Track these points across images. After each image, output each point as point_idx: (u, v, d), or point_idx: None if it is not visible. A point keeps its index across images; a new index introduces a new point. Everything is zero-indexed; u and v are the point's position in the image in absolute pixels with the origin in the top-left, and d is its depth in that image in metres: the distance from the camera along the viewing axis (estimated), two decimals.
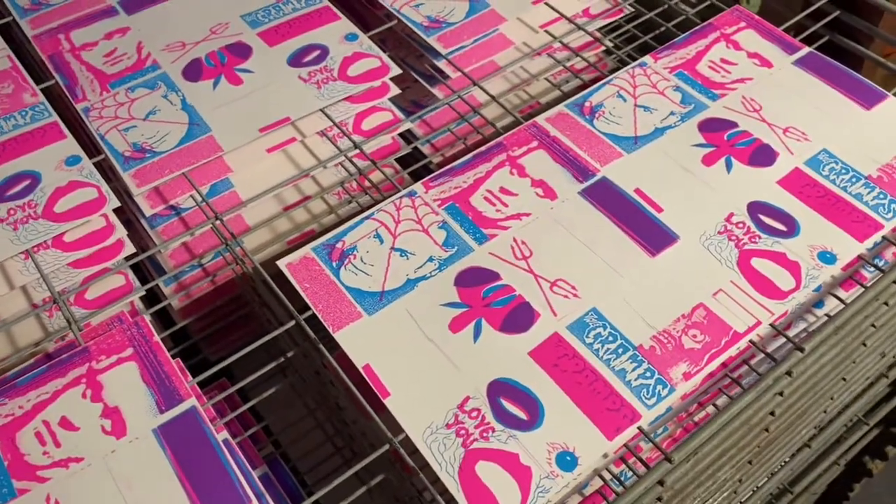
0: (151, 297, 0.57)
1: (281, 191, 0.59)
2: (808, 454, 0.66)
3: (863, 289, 0.50)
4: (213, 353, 0.60)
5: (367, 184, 0.60)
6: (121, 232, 0.53)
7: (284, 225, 0.59)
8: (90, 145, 0.56)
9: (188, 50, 0.60)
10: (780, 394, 0.47)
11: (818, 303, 0.54)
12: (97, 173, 0.53)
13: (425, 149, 0.66)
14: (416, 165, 0.63)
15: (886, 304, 0.51)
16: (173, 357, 0.47)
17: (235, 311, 0.59)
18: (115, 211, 0.54)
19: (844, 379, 0.58)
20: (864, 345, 0.54)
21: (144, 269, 0.59)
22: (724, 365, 0.48)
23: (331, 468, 0.55)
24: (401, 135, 0.65)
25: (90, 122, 0.56)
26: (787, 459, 0.66)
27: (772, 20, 0.63)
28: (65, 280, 0.52)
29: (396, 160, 0.65)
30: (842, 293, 0.53)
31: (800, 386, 0.50)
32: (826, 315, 0.53)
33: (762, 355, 0.49)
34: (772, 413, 0.49)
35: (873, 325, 0.53)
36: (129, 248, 0.53)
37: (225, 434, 0.46)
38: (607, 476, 0.46)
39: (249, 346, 0.47)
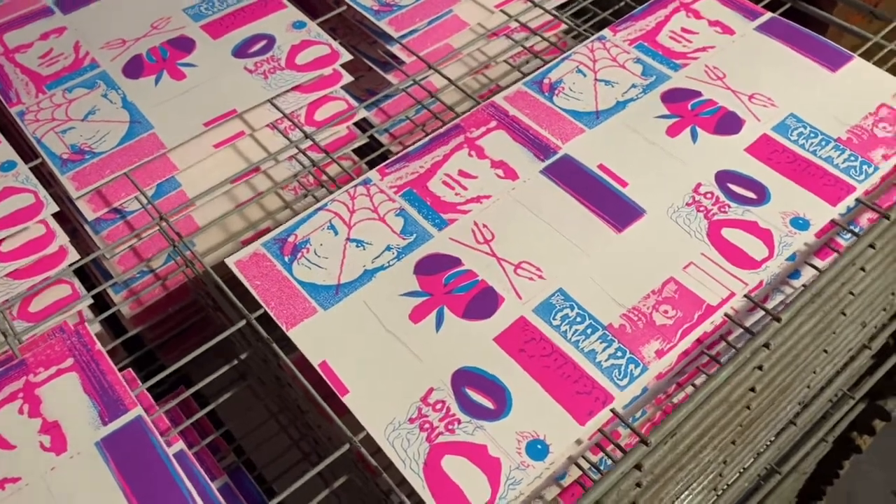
0: (103, 307, 0.54)
1: (233, 188, 0.56)
2: (793, 432, 0.64)
3: (839, 255, 0.48)
4: (170, 362, 0.57)
5: (323, 177, 0.57)
6: (63, 238, 0.50)
7: (238, 224, 0.57)
8: (27, 150, 0.54)
9: (128, 47, 0.58)
10: (760, 368, 0.45)
11: (794, 273, 0.52)
12: (34, 178, 0.50)
13: (384, 138, 0.63)
14: (373, 155, 0.60)
15: (863, 269, 0.49)
16: (127, 367, 0.44)
17: (191, 317, 0.56)
18: (60, 219, 0.51)
19: (826, 351, 0.56)
20: (844, 314, 0.52)
21: (93, 278, 0.56)
22: (699, 341, 0.46)
23: (298, 474, 0.52)
24: (358, 125, 0.62)
25: (26, 126, 0.53)
26: (772, 438, 0.64)
27: None
28: (4, 292, 0.49)
29: (354, 151, 0.62)
30: (818, 262, 0.51)
31: (780, 359, 0.48)
32: (803, 286, 0.52)
33: (740, 331, 0.47)
34: (752, 389, 0.47)
35: (851, 293, 0.51)
36: (73, 256, 0.51)
37: (180, 445, 0.43)
38: (585, 465, 0.43)
39: (199, 349, 0.45)
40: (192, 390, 0.46)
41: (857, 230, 0.50)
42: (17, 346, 0.44)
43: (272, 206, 0.58)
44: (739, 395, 0.46)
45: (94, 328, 0.53)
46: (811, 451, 0.77)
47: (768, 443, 0.64)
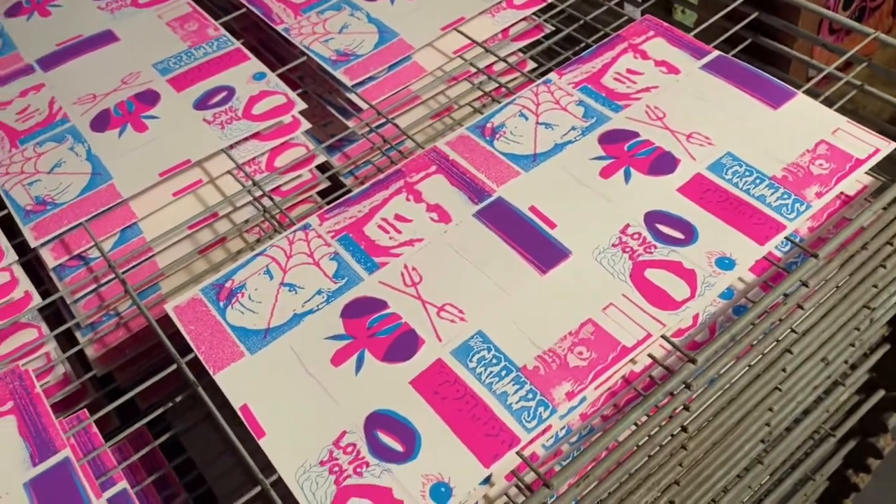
0: (80, 354, 0.56)
1: (196, 232, 0.59)
2: (761, 470, 0.63)
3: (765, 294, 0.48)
4: (143, 401, 0.60)
5: (287, 219, 0.59)
6: (26, 284, 0.53)
7: (203, 266, 0.59)
8: None
9: (98, 101, 0.61)
10: (686, 408, 0.45)
11: (741, 309, 0.51)
12: None
13: (349, 181, 0.65)
14: (334, 195, 0.62)
15: (801, 307, 0.48)
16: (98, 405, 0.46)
17: (156, 357, 0.58)
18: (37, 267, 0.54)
19: (779, 389, 0.55)
20: (790, 352, 0.52)
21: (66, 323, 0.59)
22: (626, 381, 0.46)
23: None
24: (325, 168, 0.64)
25: None
26: (739, 475, 0.63)
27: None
28: None
29: (321, 194, 0.64)
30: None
31: (715, 399, 0.48)
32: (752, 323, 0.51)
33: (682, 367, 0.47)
34: (684, 429, 0.47)
35: (794, 331, 0.51)
36: (38, 300, 0.54)
37: (122, 485, 0.45)
38: None
39: (140, 386, 0.47)
40: (137, 426, 0.48)
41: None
42: None
43: (236, 249, 0.60)
44: (667, 436, 0.46)
45: (62, 369, 0.55)
46: (794, 490, 0.75)
47: (735, 479, 0.63)
